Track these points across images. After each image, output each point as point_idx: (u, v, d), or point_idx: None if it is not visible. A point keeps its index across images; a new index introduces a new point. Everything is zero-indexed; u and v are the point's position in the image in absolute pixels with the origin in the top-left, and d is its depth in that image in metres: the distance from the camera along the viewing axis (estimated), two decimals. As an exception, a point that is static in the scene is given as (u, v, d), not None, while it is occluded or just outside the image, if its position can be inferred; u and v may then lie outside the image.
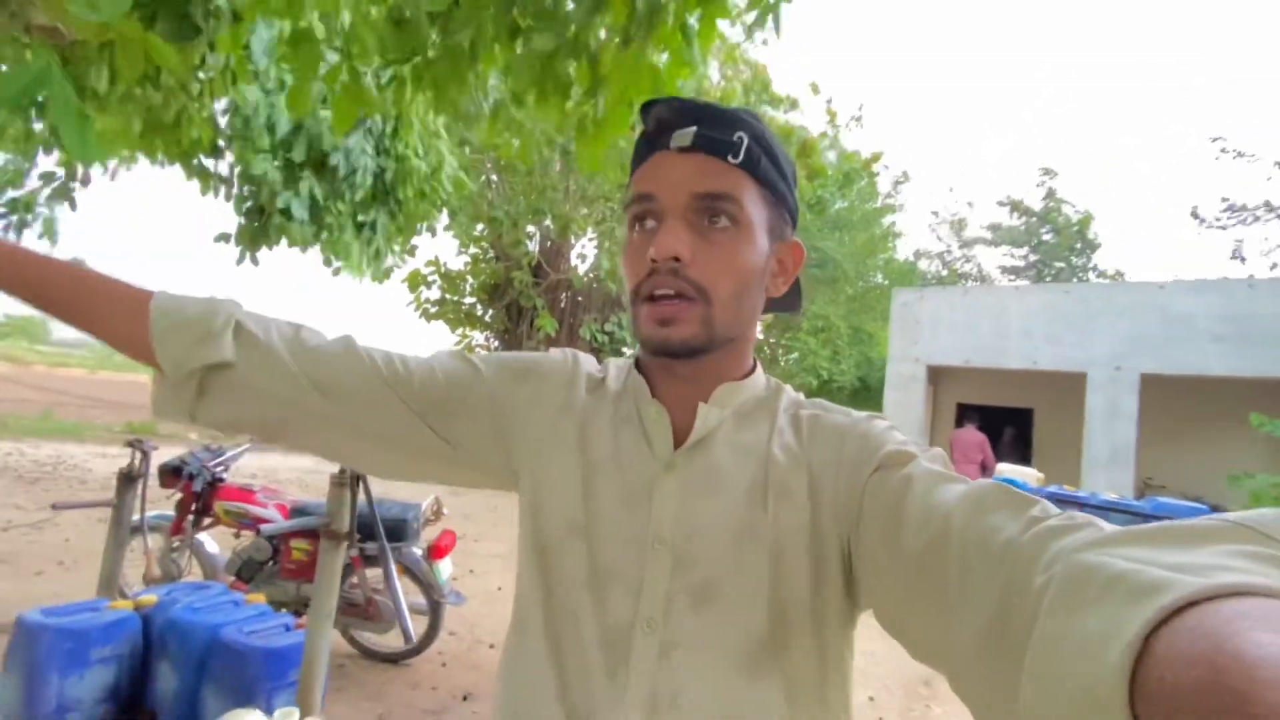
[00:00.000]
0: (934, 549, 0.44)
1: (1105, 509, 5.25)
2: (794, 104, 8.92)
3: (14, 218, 3.10)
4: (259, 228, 3.03)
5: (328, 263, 3.49)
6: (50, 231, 2.99)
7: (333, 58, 1.79)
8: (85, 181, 2.78)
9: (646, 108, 0.61)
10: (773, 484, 0.58)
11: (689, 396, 0.61)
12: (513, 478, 0.66)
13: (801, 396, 0.66)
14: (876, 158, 10.49)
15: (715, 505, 0.58)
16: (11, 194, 2.99)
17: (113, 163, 3.84)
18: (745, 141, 0.57)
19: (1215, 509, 6.67)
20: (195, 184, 3.10)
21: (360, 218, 3.25)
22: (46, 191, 2.58)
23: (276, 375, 0.60)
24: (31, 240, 3.16)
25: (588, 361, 0.70)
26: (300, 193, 2.88)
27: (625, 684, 0.55)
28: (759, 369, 0.66)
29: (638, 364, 0.67)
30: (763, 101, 8.54)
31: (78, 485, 6.64)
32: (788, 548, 0.56)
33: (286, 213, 2.92)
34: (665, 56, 1.51)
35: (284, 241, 3.17)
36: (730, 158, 0.57)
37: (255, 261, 3.24)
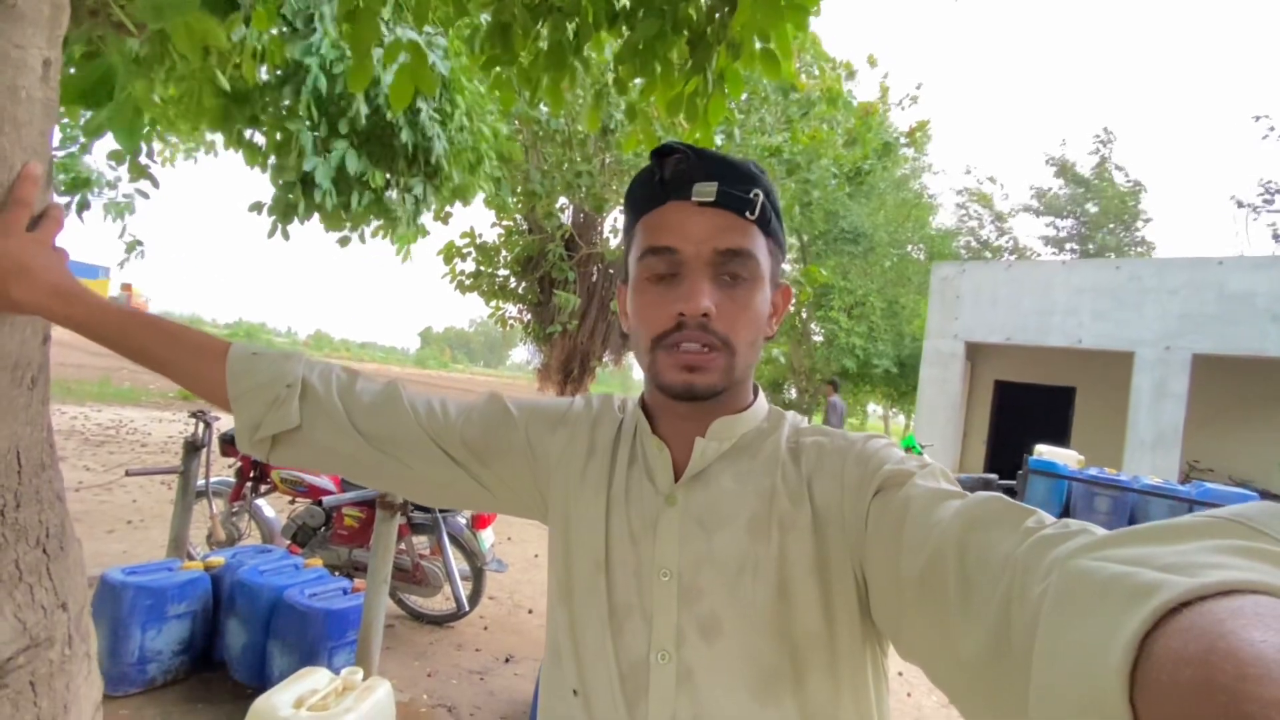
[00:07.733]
0: (933, 569, 0.44)
1: (1148, 494, 5.13)
2: (851, 71, 8.61)
3: (75, 197, 3.19)
4: (291, 200, 3.04)
5: (345, 240, 3.47)
6: (120, 211, 3.05)
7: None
8: (150, 156, 2.82)
9: (661, 153, 0.62)
10: (775, 517, 0.59)
11: (689, 431, 0.64)
12: (546, 516, 0.71)
13: (805, 423, 0.67)
14: (923, 126, 10.07)
15: (717, 538, 0.59)
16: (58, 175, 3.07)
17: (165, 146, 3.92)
18: (760, 199, 0.60)
19: (1265, 494, 6.46)
20: (239, 160, 3.16)
21: (393, 191, 3.24)
22: (122, 172, 2.61)
23: (336, 433, 0.68)
24: (95, 219, 3.25)
25: (611, 403, 0.73)
26: (330, 161, 2.85)
27: (645, 715, 0.58)
28: (760, 399, 0.67)
29: (642, 402, 0.70)
30: (811, 63, 8.27)
31: (139, 448, 7.00)
32: (795, 581, 0.56)
33: (311, 179, 2.90)
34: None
35: (315, 216, 3.19)
36: (747, 214, 0.59)
37: (286, 235, 3.26)
